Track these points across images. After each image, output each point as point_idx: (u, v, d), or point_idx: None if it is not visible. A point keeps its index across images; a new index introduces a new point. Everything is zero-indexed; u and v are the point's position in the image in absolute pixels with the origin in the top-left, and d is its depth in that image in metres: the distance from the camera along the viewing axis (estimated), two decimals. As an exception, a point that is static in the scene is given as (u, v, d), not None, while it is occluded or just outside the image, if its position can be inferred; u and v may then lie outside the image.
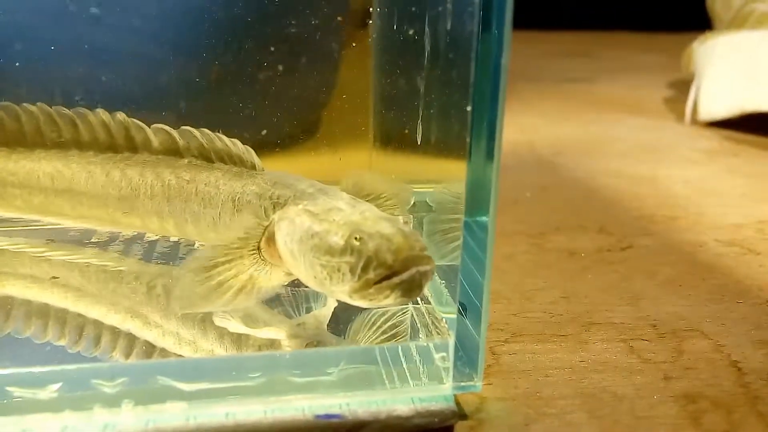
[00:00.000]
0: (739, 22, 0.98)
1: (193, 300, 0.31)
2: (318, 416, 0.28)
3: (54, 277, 0.38)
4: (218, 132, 0.38)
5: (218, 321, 0.33)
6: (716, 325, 0.38)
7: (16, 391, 0.28)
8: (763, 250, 0.48)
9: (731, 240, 0.50)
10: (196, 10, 0.43)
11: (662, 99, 1.02)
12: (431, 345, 0.31)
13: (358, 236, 0.29)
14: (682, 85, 1.01)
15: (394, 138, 0.44)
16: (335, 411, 0.28)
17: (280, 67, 0.44)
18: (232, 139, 0.36)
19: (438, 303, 0.35)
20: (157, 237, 0.41)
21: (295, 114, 0.47)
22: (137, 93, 0.43)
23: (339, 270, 0.29)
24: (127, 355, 0.31)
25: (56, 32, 0.41)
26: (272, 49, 0.44)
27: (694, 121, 0.86)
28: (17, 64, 0.41)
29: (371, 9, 0.43)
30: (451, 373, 0.30)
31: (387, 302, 0.29)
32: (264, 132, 0.44)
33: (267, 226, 0.32)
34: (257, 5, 0.43)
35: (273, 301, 0.35)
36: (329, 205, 0.31)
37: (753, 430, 0.29)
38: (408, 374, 0.30)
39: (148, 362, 0.31)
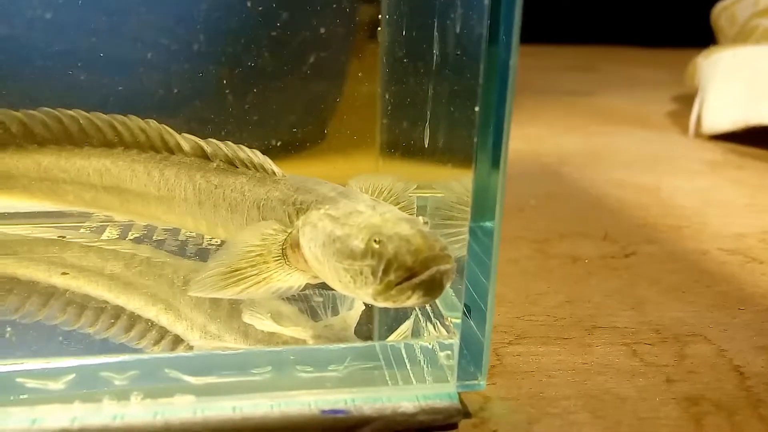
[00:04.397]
0: (744, 37, 0.98)
1: (208, 291, 0.32)
2: (324, 411, 0.28)
3: (64, 272, 0.38)
4: (226, 141, 0.39)
5: (247, 318, 0.33)
6: (719, 330, 0.38)
7: (27, 382, 0.28)
8: (766, 259, 0.49)
9: (735, 249, 0.51)
10: (207, 19, 0.44)
11: (666, 112, 1.03)
12: (436, 344, 0.32)
13: (377, 239, 0.29)
14: (686, 100, 1.01)
15: (401, 144, 0.45)
16: (341, 406, 0.29)
17: (290, 74, 0.45)
18: (253, 150, 0.37)
19: (443, 305, 0.35)
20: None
21: (304, 120, 0.47)
22: (149, 99, 0.43)
23: (361, 273, 0.29)
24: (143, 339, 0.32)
25: (62, 40, 0.42)
26: (281, 56, 0.45)
27: (698, 134, 0.87)
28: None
29: (380, 16, 0.44)
30: (455, 372, 0.30)
31: (410, 303, 0.29)
32: (272, 138, 0.45)
33: (291, 233, 0.33)
34: (266, 13, 0.44)
35: (302, 302, 0.35)
36: (350, 209, 0.32)
37: (755, 432, 0.30)
38: (413, 372, 0.30)
39: (158, 356, 0.31)
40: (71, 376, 0.28)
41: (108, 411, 0.27)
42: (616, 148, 0.82)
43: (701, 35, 1.08)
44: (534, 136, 0.87)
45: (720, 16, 1.08)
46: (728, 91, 0.85)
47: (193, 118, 0.43)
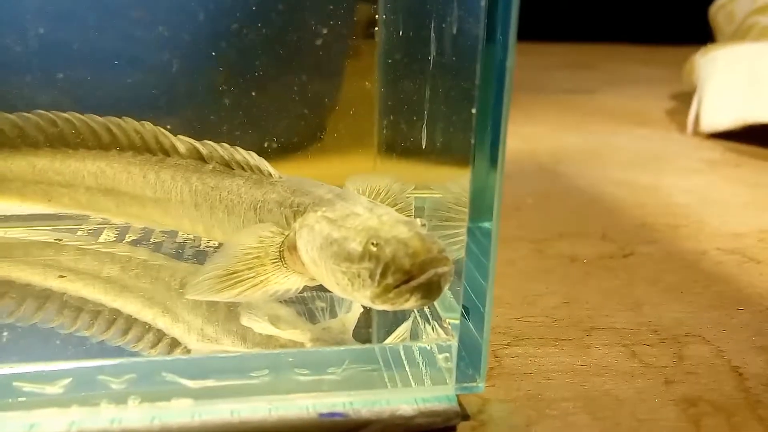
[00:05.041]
0: (741, 34, 0.98)
1: (205, 294, 0.32)
2: (322, 414, 0.28)
3: (61, 275, 0.38)
4: (222, 142, 0.39)
5: (245, 321, 0.33)
6: (717, 331, 0.38)
7: (24, 387, 0.28)
8: (764, 259, 0.49)
9: (733, 248, 0.51)
10: (207, 19, 0.44)
11: (664, 110, 1.03)
12: (435, 346, 0.32)
13: (375, 241, 0.29)
14: (684, 97, 1.01)
15: (399, 144, 0.44)
16: (339, 410, 0.28)
17: (287, 75, 0.45)
18: (249, 151, 0.37)
19: (442, 307, 0.35)
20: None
21: (302, 120, 0.47)
22: (147, 99, 0.43)
23: (359, 276, 0.29)
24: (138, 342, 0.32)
25: (61, 37, 0.42)
26: (279, 56, 0.45)
27: (696, 132, 0.87)
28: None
29: (377, 16, 0.44)
30: (454, 374, 0.30)
31: (408, 305, 0.29)
32: (270, 137, 0.45)
33: (288, 235, 0.33)
34: (264, 13, 0.44)
35: (300, 305, 0.35)
36: (347, 211, 0.31)
37: (753, 433, 0.30)
38: (411, 374, 0.30)
39: (155, 359, 0.31)
40: (68, 380, 0.28)
41: (106, 415, 0.27)
42: (614, 146, 0.82)
43: (699, 33, 1.08)
44: (531, 134, 0.87)
45: (718, 13, 1.08)
46: (726, 89, 0.85)
47: (189, 119, 0.43)
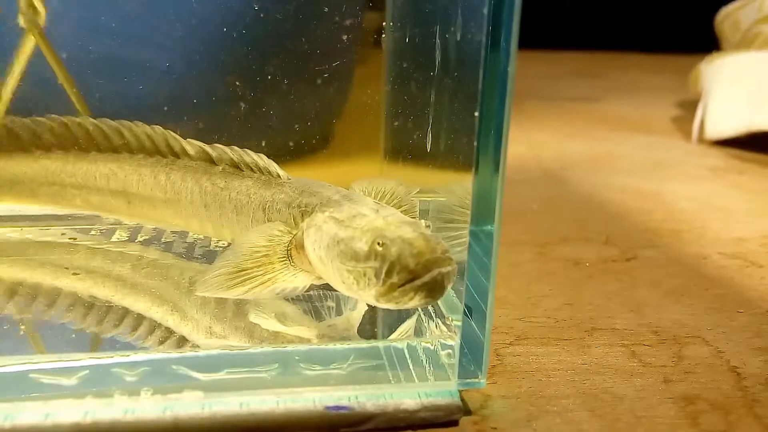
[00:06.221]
0: (747, 43, 0.99)
1: (215, 291, 0.33)
2: (328, 407, 0.29)
3: (74, 273, 0.39)
4: (231, 146, 0.40)
5: (253, 317, 0.34)
6: (717, 332, 0.39)
7: (41, 378, 0.29)
8: (766, 263, 0.49)
9: (734, 253, 0.51)
10: (214, 26, 0.45)
11: (669, 118, 1.03)
12: (438, 343, 0.32)
13: (380, 241, 0.30)
14: (690, 105, 1.02)
15: (404, 148, 0.45)
16: (344, 403, 0.29)
17: (297, 81, 0.46)
18: (258, 154, 0.38)
19: (445, 306, 0.36)
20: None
21: (310, 125, 0.48)
22: (157, 104, 0.44)
23: (365, 275, 0.30)
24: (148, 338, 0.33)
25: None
26: (288, 63, 0.46)
27: (701, 139, 0.87)
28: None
29: (384, 23, 0.45)
30: (456, 370, 0.31)
31: (412, 304, 0.30)
32: (279, 142, 0.46)
33: (296, 234, 0.34)
34: (274, 21, 0.45)
35: (307, 303, 0.36)
36: (354, 212, 0.32)
37: (749, 431, 0.30)
38: (415, 370, 0.31)
39: (167, 353, 0.32)
40: (84, 373, 0.29)
41: (119, 406, 0.28)
42: (619, 153, 0.83)
43: (705, 41, 1.08)
44: (537, 141, 0.88)
45: (723, 22, 1.09)
46: (731, 97, 0.86)
47: (200, 123, 0.44)
